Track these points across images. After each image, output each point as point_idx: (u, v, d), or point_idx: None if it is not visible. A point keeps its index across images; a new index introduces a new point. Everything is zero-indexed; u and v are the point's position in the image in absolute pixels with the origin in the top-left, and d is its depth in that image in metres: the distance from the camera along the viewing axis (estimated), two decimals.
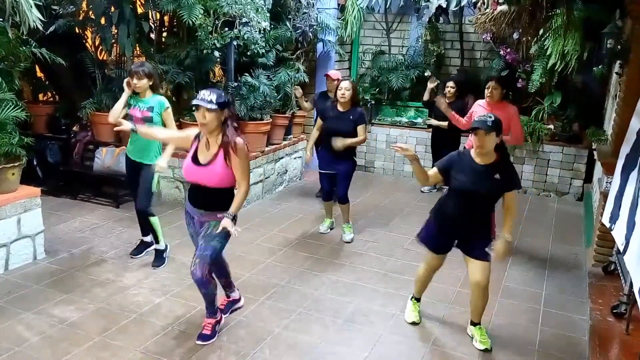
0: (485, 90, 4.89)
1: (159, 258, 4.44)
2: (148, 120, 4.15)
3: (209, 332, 3.38)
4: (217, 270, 3.50)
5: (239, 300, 3.75)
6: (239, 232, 3.15)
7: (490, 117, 3.16)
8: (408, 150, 3.19)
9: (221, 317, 3.52)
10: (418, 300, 3.75)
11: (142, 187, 4.30)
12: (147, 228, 4.51)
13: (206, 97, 3.01)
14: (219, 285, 3.52)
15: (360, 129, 4.94)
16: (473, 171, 3.21)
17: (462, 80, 6.78)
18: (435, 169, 3.39)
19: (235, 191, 3.18)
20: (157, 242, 4.46)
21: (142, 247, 4.59)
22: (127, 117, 4.23)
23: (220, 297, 3.63)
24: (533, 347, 3.46)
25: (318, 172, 6.68)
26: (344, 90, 4.90)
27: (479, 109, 4.87)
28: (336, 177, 5.17)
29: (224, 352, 3.26)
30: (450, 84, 6.53)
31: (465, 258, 3.39)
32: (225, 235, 3.19)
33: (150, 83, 4.18)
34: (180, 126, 5.71)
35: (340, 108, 4.97)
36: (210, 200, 3.19)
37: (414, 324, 3.65)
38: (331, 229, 5.44)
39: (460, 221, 3.32)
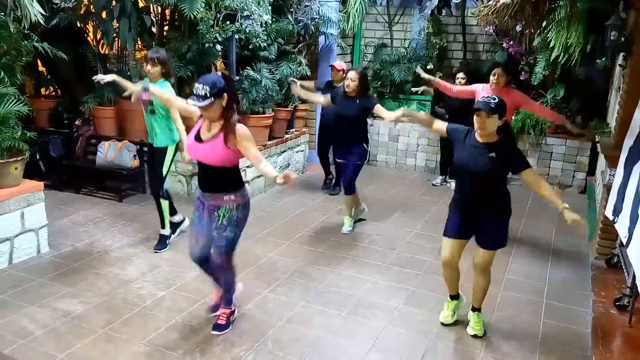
0: (491, 76, 4.84)
1: (162, 243, 4.63)
2: (148, 104, 4.31)
3: (224, 322, 3.43)
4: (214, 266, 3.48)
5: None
6: (296, 176, 3.03)
7: (494, 99, 3.11)
8: (397, 116, 3.61)
9: (235, 309, 3.56)
10: (453, 298, 3.62)
11: (154, 169, 4.56)
12: (173, 209, 4.77)
13: (200, 92, 2.89)
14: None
15: (378, 108, 4.90)
16: (472, 148, 3.20)
17: (472, 72, 6.74)
18: (445, 126, 3.40)
19: (260, 165, 3.08)
20: (163, 227, 4.65)
21: (175, 226, 4.82)
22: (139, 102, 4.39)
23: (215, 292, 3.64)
24: (535, 340, 3.47)
25: (321, 165, 6.75)
26: (349, 80, 4.98)
27: (481, 92, 4.82)
28: (345, 165, 5.18)
29: (228, 345, 3.27)
30: (461, 74, 6.49)
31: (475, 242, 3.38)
32: (237, 224, 3.25)
33: (163, 70, 4.27)
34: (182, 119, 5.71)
35: (348, 95, 5.03)
36: (214, 180, 3.18)
37: (442, 324, 3.57)
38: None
39: (468, 202, 3.29)
